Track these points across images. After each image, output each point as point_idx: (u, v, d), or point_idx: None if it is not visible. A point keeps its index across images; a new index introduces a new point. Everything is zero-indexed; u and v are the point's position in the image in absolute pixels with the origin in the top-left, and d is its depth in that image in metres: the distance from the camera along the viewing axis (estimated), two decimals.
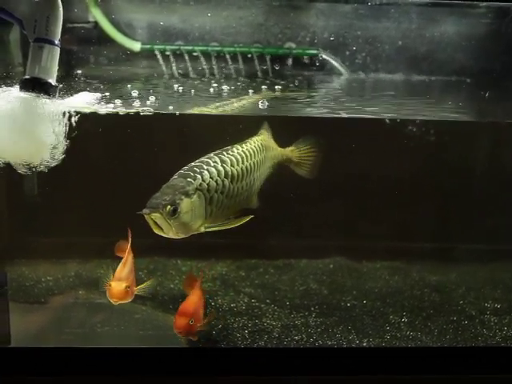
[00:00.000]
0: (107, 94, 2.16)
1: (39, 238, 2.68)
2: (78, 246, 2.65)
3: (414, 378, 1.98)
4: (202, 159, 1.98)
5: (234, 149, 2.06)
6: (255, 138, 2.17)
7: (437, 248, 2.90)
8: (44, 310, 2.41)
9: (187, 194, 1.86)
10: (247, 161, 2.05)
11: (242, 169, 2.02)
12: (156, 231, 1.84)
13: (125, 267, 2.06)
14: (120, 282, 1.99)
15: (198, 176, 1.90)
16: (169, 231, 1.84)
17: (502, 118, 2.61)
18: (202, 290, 2.11)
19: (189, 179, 1.89)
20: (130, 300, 2.03)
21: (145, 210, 1.81)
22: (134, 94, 2.30)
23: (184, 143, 2.58)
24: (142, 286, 2.09)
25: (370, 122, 2.53)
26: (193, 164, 1.96)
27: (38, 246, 2.68)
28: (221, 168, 1.96)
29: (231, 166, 1.99)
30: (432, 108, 2.53)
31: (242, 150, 2.06)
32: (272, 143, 2.24)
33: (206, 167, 1.94)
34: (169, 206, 1.81)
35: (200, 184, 1.90)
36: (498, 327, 2.28)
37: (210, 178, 1.93)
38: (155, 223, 1.82)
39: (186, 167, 1.96)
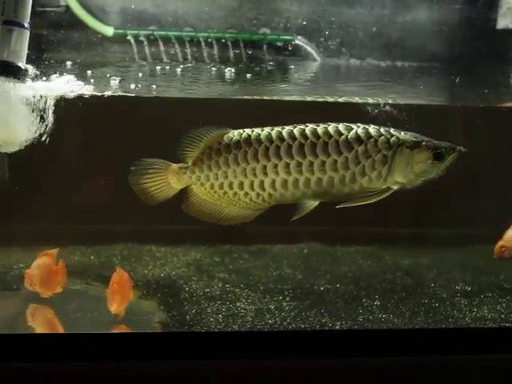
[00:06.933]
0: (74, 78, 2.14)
1: (11, 225, 2.65)
2: (51, 233, 2.62)
3: (386, 360, 2.00)
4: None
5: None
6: None
7: (409, 233, 2.93)
8: (16, 297, 2.39)
9: None
10: None
11: None
12: None
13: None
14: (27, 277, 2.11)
15: None
16: None
17: (472, 102, 2.64)
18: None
19: None
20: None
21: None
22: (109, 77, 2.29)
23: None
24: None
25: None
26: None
27: (10, 232, 2.65)
28: None
29: None
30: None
31: None
32: None
33: None
34: None
35: None
36: (468, 309, 2.31)
37: None
38: None
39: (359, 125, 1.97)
